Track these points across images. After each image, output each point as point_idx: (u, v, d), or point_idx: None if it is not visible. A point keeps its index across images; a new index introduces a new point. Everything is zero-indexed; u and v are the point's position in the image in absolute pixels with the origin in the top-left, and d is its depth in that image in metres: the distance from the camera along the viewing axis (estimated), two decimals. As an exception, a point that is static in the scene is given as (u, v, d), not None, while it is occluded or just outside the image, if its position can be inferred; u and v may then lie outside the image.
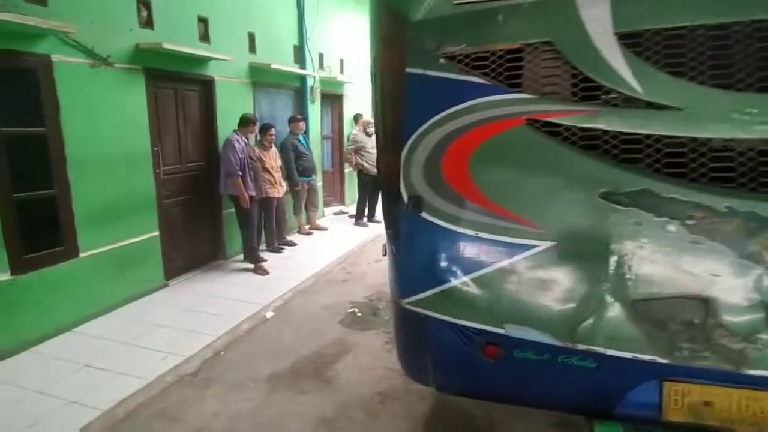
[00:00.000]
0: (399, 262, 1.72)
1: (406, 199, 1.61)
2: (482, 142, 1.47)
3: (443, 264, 1.57)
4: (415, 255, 1.64)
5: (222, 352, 3.34)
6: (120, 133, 4.02)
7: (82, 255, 3.75)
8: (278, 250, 5.76)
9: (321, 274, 4.99)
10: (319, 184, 7.25)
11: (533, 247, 1.44)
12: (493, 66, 1.48)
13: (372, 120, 7.45)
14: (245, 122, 5.09)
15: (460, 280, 1.55)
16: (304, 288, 4.60)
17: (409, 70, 1.59)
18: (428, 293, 1.62)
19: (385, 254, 2.09)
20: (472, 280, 1.53)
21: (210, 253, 5.35)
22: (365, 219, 7.33)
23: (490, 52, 1.49)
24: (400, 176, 1.61)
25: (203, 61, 4.92)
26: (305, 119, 6.54)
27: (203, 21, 4.84)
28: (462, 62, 1.51)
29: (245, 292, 4.45)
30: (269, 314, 3.97)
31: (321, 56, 7.35)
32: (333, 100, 8.18)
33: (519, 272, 1.47)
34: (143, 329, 3.66)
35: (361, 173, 7.18)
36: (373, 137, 7.31)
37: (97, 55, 3.74)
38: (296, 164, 6.19)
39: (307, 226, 6.74)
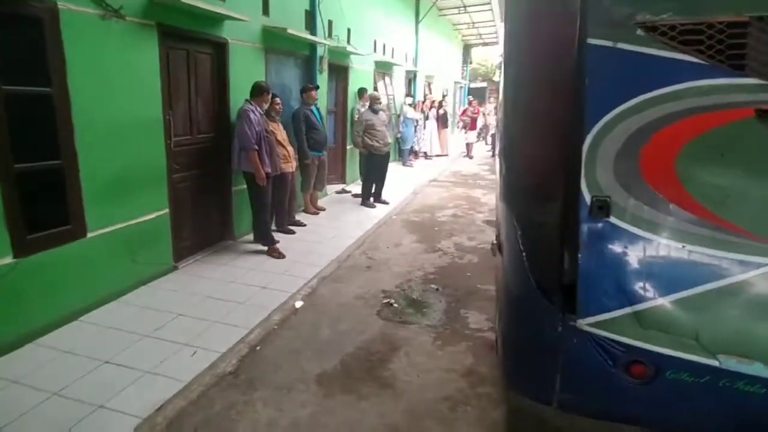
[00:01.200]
0: (572, 275, 1.45)
1: (588, 200, 1.35)
2: (695, 137, 1.22)
3: (637, 280, 1.33)
4: (597, 268, 1.39)
5: (258, 348, 3.03)
6: (131, 98, 3.55)
7: (90, 235, 3.32)
8: (289, 231, 5.40)
9: (341, 260, 4.69)
10: (324, 161, 6.86)
11: (763, 265, 1.21)
12: (711, 42, 1.21)
13: (378, 95, 7.10)
14: (259, 91, 4.64)
15: (657, 301, 1.31)
16: (328, 274, 4.30)
17: (591, 41, 1.29)
18: (613, 314, 1.38)
19: (495, 254, 1.84)
20: (675, 301, 1.30)
21: (218, 233, 4.95)
22: (371, 199, 7.01)
23: (706, 24, 1.21)
24: (580, 172, 1.33)
25: (218, 20, 4.41)
26: (317, 88, 6.10)
27: (219, -26, 4.33)
28: (666, 35, 1.23)
29: (264, 277, 4.11)
30: (298, 304, 3.66)
31: (330, 23, 6.86)
32: (338, 72, 7.72)
33: (744, 295, 1.24)
34: (162, 319, 3.30)
35: (369, 153, 6.81)
36: (381, 114, 6.95)
37: (108, 4, 3.23)
38: (307, 137, 5.79)
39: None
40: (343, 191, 7.85)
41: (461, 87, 22.60)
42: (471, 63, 26.08)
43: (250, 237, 5.11)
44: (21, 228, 2.87)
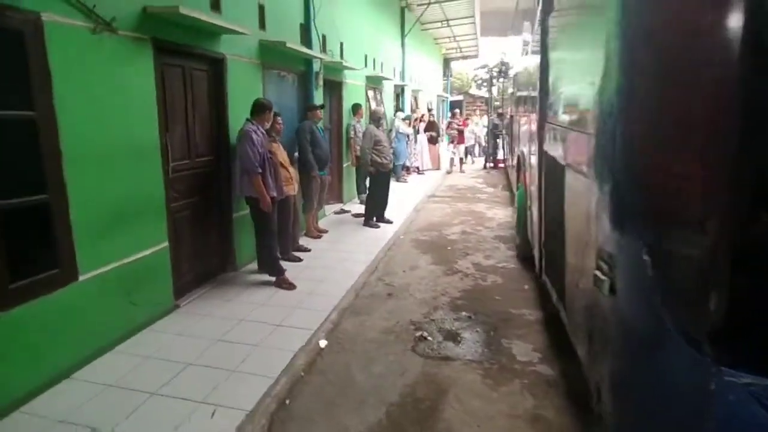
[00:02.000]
0: (732, 317, 1.14)
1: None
2: None
3: None
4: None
5: (287, 401, 2.63)
6: (125, 120, 3.16)
7: (82, 278, 2.88)
8: (296, 259, 5.00)
9: (358, 288, 4.32)
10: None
11: None
12: None
13: (381, 111, 6.82)
14: (260, 108, 4.27)
15: None
16: (347, 306, 3.92)
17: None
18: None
19: (610, 293, 1.52)
20: None
21: (219, 264, 4.53)
22: (374, 219, 6.67)
23: None
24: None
25: (215, 34, 4.07)
26: (322, 107, 5.78)
27: (215, -15, 4.00)
28: None
29: (278, 313, 3.71)
30: (323, 343, 3.27)
31: (324, 38, 6.58)
32: (332, 87, 7.42)
33: None
34: (168, 371, 2.87)
35: (377, 170, 6.47)
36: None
37: (99, 16, 2.86)
38: (312, 152, 5.47)
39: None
40: (342, 211, 7.49)
41: (443, 100, 22.65)
42: (451, 76, 26.26)
43: (253, 266, 4.71)
44: (3, 276, 2.43)
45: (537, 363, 3.00)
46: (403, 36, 12.27)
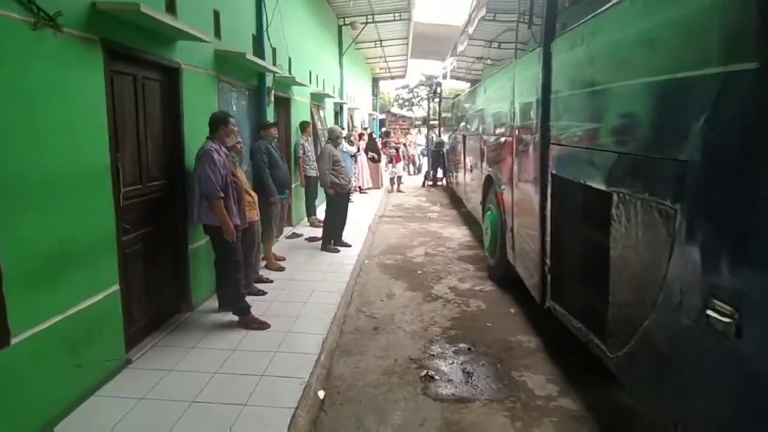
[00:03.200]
0: None
1: None
2: None
3: None
4: None
5: (302, 476, 2.19)
6: (71, 138, 2.56)
7: (14, 341, 2.22)
8: (260, 292, 4.47)
9: (339, 322, 3.92)
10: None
11: None
12: None
13: (339, 129, 6.48)
14: (218, 122, 3.74)
15: None
16: (334, 345, 3.51)
17: None
18: None
19: (736, 336, 1.36)
20: None
21: (173, 305, 3.89)
22: (333, 243, 6.27)
23: None
24: None
25: (171, 40, 3.54)
26: (276, 125, 5.33)
27: (170, -16, 3.49)
28: None
29: (256, 360, 3.20)
30: (321, 393, 2.84)
31: (274, 51, 6.16)
32: (282, 104, 6.97)
33: None
34: (138, 450, 2.29)
35: (336, 192, 6.10)
36: (343, 147, 6.26)
37: (39, 8, 2.28)
38: (270, 175, 4.99)
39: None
40: (294, 235, 6.99)
41: (374, 119, 22.78)
42: (379, 95, 26.58)
43: (211, 304, 4.13)
44: None
45: (557, 396, 2.83)
46: (341, 54, 12.09)
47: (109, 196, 2.89)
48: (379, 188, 12.55)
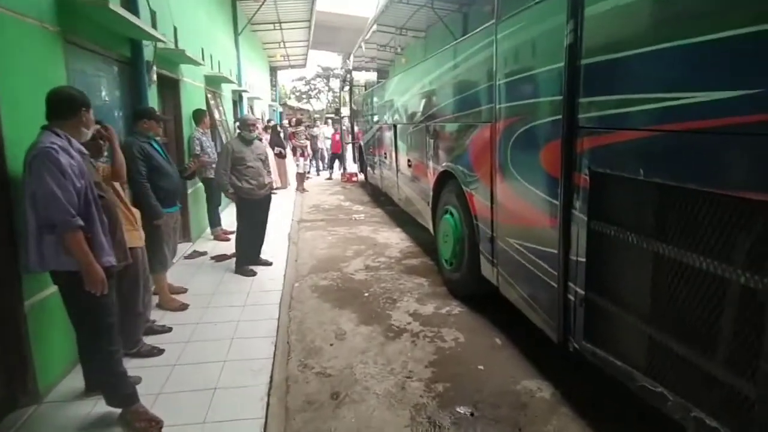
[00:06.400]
0: None
1: None
2: None
3: None
4: None
5: None
6: None
7: None
8: (152, 353, 3.09)
9: (280, 393, 2.72)
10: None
11: None
12: None
13: (252, 119, 5.04)
14: (66, 104, 2.31)
15: None
16: (281, 439, 2.33)
17: None
18: None
19: None
20: None
21: (5, 397, 2.40)
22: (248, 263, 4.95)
23: None
24: None
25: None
26: (162, 117, 3.89)
27: None
28: None
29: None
30: None
31: (154, 15, 4.62)
32: (168, 85, 5.40)
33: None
34: None
35: (239, 198, 4.76)
36: (255, 144, 4.82)
37: None
38: (153, 186, 3.53)
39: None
40: (196, 254, 5.51)
41: (274, 110, 21.03)
42: (277, 86, 24.70)
43: (73, 383, 2.70)
44: None
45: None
46: (236, 34, 10.44)
47: None
48: (286, 188, 11.13)
